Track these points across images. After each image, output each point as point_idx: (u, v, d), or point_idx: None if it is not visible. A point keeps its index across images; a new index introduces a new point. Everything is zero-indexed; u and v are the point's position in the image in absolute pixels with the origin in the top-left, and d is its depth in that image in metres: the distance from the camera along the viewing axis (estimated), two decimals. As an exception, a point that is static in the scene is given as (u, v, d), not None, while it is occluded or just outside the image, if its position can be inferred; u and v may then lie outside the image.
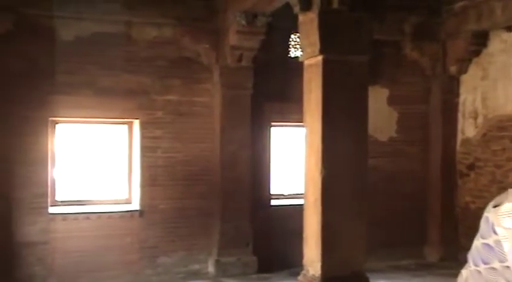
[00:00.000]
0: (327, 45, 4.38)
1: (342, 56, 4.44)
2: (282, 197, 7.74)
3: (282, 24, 6.94)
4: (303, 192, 7.45)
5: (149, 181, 6.86)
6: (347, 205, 4.47)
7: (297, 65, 7.22)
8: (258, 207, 7.23)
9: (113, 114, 6.78)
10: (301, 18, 4.70)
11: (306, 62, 4.65)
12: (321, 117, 4.38)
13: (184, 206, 6.98)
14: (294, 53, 7.60)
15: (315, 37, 4.44)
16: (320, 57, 4.41)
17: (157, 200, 6.88)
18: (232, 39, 6.63)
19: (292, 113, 7.32)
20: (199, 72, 7.06)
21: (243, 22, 6.40)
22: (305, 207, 4.68)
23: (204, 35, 6.91)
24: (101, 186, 7.18)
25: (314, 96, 4.51)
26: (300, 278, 4.78)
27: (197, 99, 7.05)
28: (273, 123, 7.50)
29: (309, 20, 4.55)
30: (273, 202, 7.54)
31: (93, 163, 7.17)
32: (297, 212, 6.97)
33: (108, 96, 6.65)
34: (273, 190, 7.57)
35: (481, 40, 7.62)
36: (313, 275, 4.53)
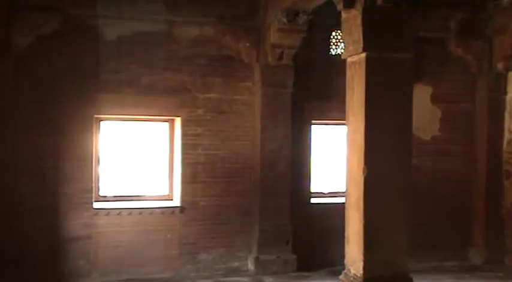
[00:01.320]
0: (370, 43, 4.32)
1: (385, 54, 4.37)
2: (322, 195, 7.69)
3: (323, 22, 6.89)
4: (343, 190, 7.45)
5: (190, 178, 6.93)
6: (389, 205, 4.40)
7: (337, 63, 7.17)
8: (298, 205, 7.21)
9: (155, 111, 6.88)
10: (344, 15, 4.65)
11: (349, 60, 4.60)
12: (363, 115, 4.33)
13: (224, 203, 7.02)
14: (335, 50, 7.53)
15: (358, 34, 4.39)
16: (363, 55, 4.35)
17: (197, 197, 6.95)
18: (273, 37, 6.62)
19: (333, 111, 7.27)
20: (240, 70, 7.08)
21: (284, 20, 6.38)
22: (347, 206, 4.63)
23: (244, 33, 6.93)
24: (143, 182, 7.30)
25: (357, 94, 4.46)
26: (341, 277, 4.73)
27: (238, 97, 7.08)
28: (313, 122, 7.45)
29: (352, 17, 4.50)
30: (313, 200, 7.50)
31: (136, 160, 7.30)
32: (337, 210, 6.89)
33: (150, 94, 6.75)
34: (313, 188, 7.53)
35: (529, 36, 7.37)
36: (355, 274, 4.49)
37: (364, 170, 4.31)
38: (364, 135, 4.33)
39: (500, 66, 7.69)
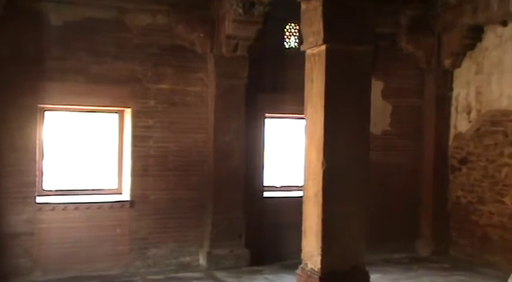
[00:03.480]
0: (331, 35, 4.27)
1: (346, 46, 4.33)
2: (275, 189, 7.65)
3: (278, 14, 6.83)
4: (296, 184, 7.50)
5: (140, 171, 6.70)
6: (348, 198, 4.39)
7: (291, 56, 7.19)
8: (251, 199, 7.13)
9: (104, 102, 6.60)
10: (303, 6, 4.58)
11: (308, 51, 4.54)
12: (323, 107, 4.28)
13: (176, 197, 6.85)
14: (288, 44, 7.50)
15: (319, 26, 4.33)
16: (324, 47, 4.30)
17: (148, 191, 6.74)
18: (228, 28, 6.49)
19: (287, 104, 7.24)
20: (193, 61, 6.90)
21: (240, 11, 6.27)
22: (305, 200, 4.58)
23: (199, 23, 6.75)
24: (90, 176, 7.00)
25: (316, 86, 4.41)
26: (298, 271, 4.69)
27: (191, 89, 6.90)
28: (266, 115, 7.38)
29: (312, 8, 4.44)
30: (266, 194, 7.44)
31: (83, 152, 6.99)
32: (289, 204, 6.95)
33: (99, 83, 6.46)
34: (266, 182, 7.47)
35: (476, 34, 7.59)
36: (312, 269, 4.45)
37: (323, 163, 4.27)
38: (323, 127, 4.29)
39: (447, 63, 7.90)
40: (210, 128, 6.90)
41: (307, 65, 4.57)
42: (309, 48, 4.54)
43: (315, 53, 4.42)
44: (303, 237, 4.68)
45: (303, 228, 4.64)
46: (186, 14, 6.71)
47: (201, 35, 6.77)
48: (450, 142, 8.03)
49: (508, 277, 6.77)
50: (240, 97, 6.88)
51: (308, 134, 4.54)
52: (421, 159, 8.09)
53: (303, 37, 4.66)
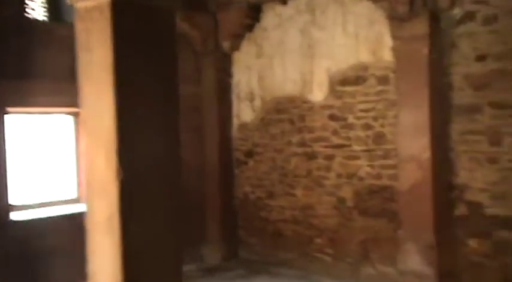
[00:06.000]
0: (118, -21, 2.85)
1: (140, -2, 2.97)
2: (27, 208, 5.74)
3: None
4: (57, 199, 5.76)
5: None
6: (157, 217, 3.05)
7: (47, 31, 5.44)
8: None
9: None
10: None
11: (81, 5, 3.00)
12: (111, 88, 2.84)
13: None
14: (34, 12, 5.69)
15: (97, -33, 2.86)
16: (106, -2, 2.85)
17: None
18: None
19: (39, 94, 5.44)
20: None
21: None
22: (90, 229, 3.05)
23: None
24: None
25: (97, 57, 2.92)
26: None
27: None
28: (8, 109, 5.44)
29: None
30: (14, 216, 5.50)
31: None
32: (47, 227, 5.31)
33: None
34: (13, 200, 5.53)
35: (254, 14, 6.92)
36: (109, 328, 2.98)
37: (118, 171, 2.83)
38: (114, 117, 2.84)
39: (226, 45, 7.07)
40: None
41: (80, 26, 3.03)
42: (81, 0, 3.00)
43: (94, 6, 2.92)
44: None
45: (89, 270, 3.10)
46: None
47: None
48: (234, 133, 7.25)
49: (305, 273, 6.34)
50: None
51: (88, 129, 3.02)
52: (204, 154, 7.12)
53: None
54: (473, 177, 5.22)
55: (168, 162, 3.10)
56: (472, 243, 5.23)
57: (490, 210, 5.15)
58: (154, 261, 3.03)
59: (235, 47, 7.11)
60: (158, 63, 3.04)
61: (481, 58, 5.15)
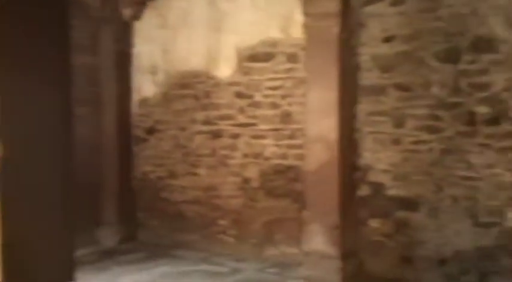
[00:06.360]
0: None
1: None
2: None
3: None
4: None
5: None
6: (43, 199, 2.65)
7: None
8: None
9: None
10: None
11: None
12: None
13: None
14: None
15: None
16: None
17: None
18: None
19: None
20: None
21: None
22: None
23: None
24: None
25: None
26: None
27: None
28: None
29: None
30: None
31: None
32: None
33: None
34: None
35: (158, -19, 6.47)
36: None
37: (-4, 151, 2.40)
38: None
39: (126, 13, 6.57)
40: None
41: None
42: None
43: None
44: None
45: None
46: None
47: None
48: (134, 109, 6.80)
49: (208, 255, 6.14)
50: None
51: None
52: (101, 130, 6.61)
53: None
54: (377, 158, 5.26)
55: (58, 138, 2.70)
56: (374, 223, 5.30)
57: (391, 191, 5.22)
58: (39, 246, 2.63)
59: (137, 15, 6.63)
60: (45, 29, 2.61)
61: (388, 39, 5.15)
